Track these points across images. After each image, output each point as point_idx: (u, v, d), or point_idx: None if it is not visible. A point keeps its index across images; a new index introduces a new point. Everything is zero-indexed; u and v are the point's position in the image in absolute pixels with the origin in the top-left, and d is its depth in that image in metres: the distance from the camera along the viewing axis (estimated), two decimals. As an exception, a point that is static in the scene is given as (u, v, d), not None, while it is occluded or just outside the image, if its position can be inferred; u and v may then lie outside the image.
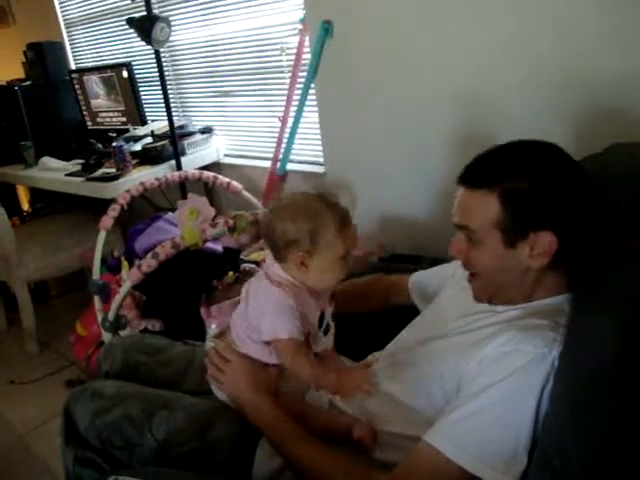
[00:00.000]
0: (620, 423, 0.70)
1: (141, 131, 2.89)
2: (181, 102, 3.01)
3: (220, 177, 2.53)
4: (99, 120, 3.24)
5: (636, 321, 0.76)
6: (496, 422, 0.89)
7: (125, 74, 2.91)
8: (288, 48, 2.38)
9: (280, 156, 2.50)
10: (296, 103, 2.35)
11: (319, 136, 2.38)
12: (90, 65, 3.45)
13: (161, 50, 2.48)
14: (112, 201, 2.26)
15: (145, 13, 2.35)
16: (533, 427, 0.88)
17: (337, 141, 2.32)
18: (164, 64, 2.56)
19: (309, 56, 2.23)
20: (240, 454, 1.14)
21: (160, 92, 2.54)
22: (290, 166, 2.53)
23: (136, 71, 2.97)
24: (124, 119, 3.08)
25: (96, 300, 2.13)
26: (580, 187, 0.99)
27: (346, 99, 2.19)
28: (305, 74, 2.27)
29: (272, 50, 2.46)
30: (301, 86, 2.31)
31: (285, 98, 2.40)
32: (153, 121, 3.01)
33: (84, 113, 3.29)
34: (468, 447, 0.88)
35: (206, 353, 1.29)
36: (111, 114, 3.15)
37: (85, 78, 3.15)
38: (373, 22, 1.99)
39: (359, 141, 2.22)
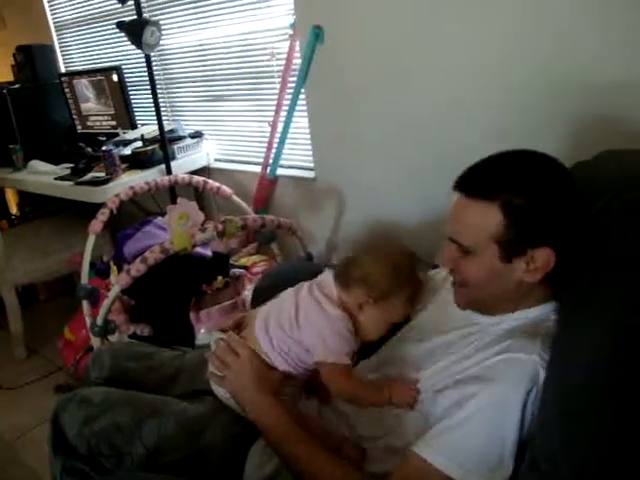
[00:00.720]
0: (608, 429, 0.70)
1: (131, 135, 2.87)
2: (171, 106, 3.00)
3: (210, 182, 2.53)
4: (89, 124, 3.23)
5: (625, 329, 0.76)
6: (482, 429, 0.89)
7: (115, 78, 2.91)
8: (278, 53, 2.38)
9: (270, 161, 2.50)
10: (286, 108, 2.36)
11: (309, 141, 2.38)
12: (80, 68, 3.43)
13: (151, 54, 2.48)
14: (101, 205, 2.25)
15: (135, 17, 2.35)
16: (519, 432, 0.88)
17: (327, 146, 2.33)
18: (154, 68, 2.55)
19: (299, 61, 2.24)
20: (231, 461, 1.14)
21: (150, 96, 2.53)
22: (280, 171, 2.53)
23: (126, 75, 2.96)
24: (114, 123, 3.07)
25: (84, 305, 2.12)
26: (576, 201, 0.98)
27: (336, 104, 2.20)
28: (295, 79, 2.27)
29: (262, 55, 2.46)
30: (291, 91, 2.31)
31: (275, 103, 2.41)
32: (143, 125, 3.00)
33: (74, 117, 3.28)
34: (455, 456, 0.89)
35: (202, 350, 1.32)
36: (101, 118, 3.14)
37: (75, 81, 3.14)
38: (363, 27, 2.00)
39: (349, 146, 2.23)
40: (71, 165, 2.78)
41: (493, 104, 1.77)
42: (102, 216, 2.21)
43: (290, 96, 2.32)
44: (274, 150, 2.47)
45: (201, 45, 2.69)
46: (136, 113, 3.04)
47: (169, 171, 2.60)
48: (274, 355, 1.16)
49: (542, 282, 0.99)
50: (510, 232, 0.94)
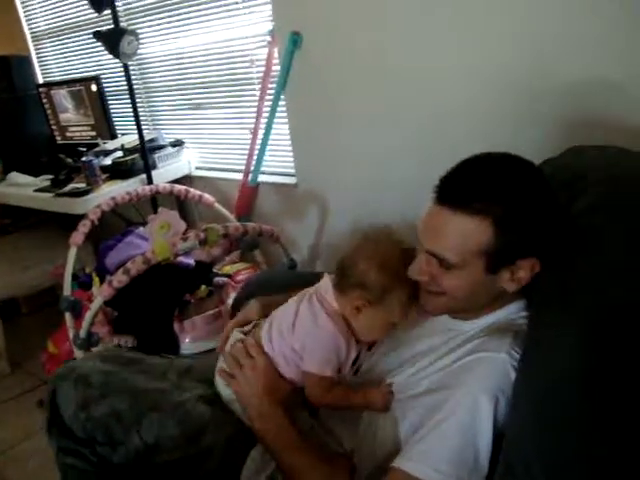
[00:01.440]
0: (582, 433, 0.70)
1: (111, 145, 2.86)
2: (151, 115, 2.98)
3: (192, 190, 2.52)
4: (68, 134, 3.20)
5: (597, 331, 0.76)
6: (454, 432, 0.89)
7: (94, 88, 2.89)
8: (258, 60, 2.38)
9: (252, 168, 2.50)
10: (267, 115, 2.36)
11: (290, 147, 2.38)
12: (58, 79, 3.40)
13: (130, 63, 2.47)
14: (83, 216, 2.23)
15: (112, 26, 2.33)
16: (492, 433, 0.88)
17: (308, 152, 2.33)
18: (133, 77, 2.53)
19: (279, 68, 2.24)
20: (229, 464, 1.12)
21: (130, 105, 2.52)
22: (262, 178, 2.53)
23: (105, 84, 2.94)
24: (94, 133, 3.05)
25: (67, 317, 2.10)
26: (558, 207, 0.97)
27: (316, 110, 2.20)
28: (275, 86, 2.27)
29: (241, 62, 2.46)
30: (271, 97, 2.31)
31: (255, 110, 2.40)
32: (123, 135, 2.99)
33: (53, 127, 3.25)
34: (433, 462, 0.89)
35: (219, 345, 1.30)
36: (80, 128, 3.11)
37: (53, 92, 3.11)
38: (341, 33, 2.01)
39: (330, 152, 2.23)
40: (51, 176, 2.75)
41: (476, 105, 1.78)
42: (83, 227, 2.20)
43: (270, 103, 2.32)
44: (255, 157, 2.46)
45: (180, 53, 2.68)
46: (116, 123, 3.02)
47: (150, 180, 2.59)
48: (277, 358, 1.16)
49: None
50: (500, 246, 0.91)
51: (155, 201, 2.66)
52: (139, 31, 2.46)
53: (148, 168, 2.57)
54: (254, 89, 2.45)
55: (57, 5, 3.16)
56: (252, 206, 2.61)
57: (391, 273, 1.06)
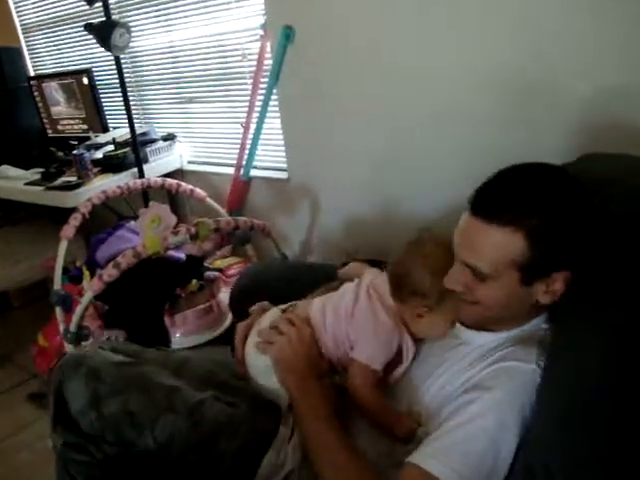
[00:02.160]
0: (603, 438, 0.70)
1: (102, 139, 2.84)
2: (143, 109, 2.97)
3: (183, 184, 2.51)
4: (60, 128, 3.18)
5: (619, 337, 0.76)
6: (477, 435, 0.88)
7: (85, 81, 2.87)
8: (250, 54, 2.37)
9: (243, 162, 2.50)
10: (259, 109, 2.35)
11: (282, 142, 2.38)
12: (49, 72, 3.38)
13: (122, 56, 2.45)
14: (73, 210, 2.23)
15: (104, 18, 2.32)
16: (516, 440, 0.87)
17: (300, 147, 2.33)
18: (125, 70, 2.52)
19: (271, 62, 2.23)
20: (243, 467, 1.12)
21: (121, 99, 2.51)
22: (254, 172, 2.53)
23: (97, 77, 2.93)
24: (85, 126, 3.03)
25: (58, 311, 2.09)
26: (593, 218, 0.94)
27: (308, 105, 2.20)
28: (267, 80, 2.26)
29: (234, 56, 2.45)
30: (263, 92, 2.30)
31: (247, 104, 2.40)
32: (115, 128, 2.97)
33: (44, 121, 3.23)
34: (451, 462, 0.87)
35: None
36: (72, 122, 3.10)
37: (44, 85, 3.09)
38: (334, 27, 2.00)
39: (322, 147, 2.23)
40: (42, 170, 2.74)
41: (466, 103, 1.78)
42: (74, 221, 2.19)
43: (262, 97, 2.31)
44: (247, 151, 2.46)
45: (172, 47, 2.67)
46: (108, 116, 3.01)
47: (142, 174, 2.58)
48: (326, 339, 1.18)
49: None
50: (534, 258, 0.90)
51: (146, 195, 2.65)
52: (131, 24, 2.45)
53: (139, 162, 2.57)
54: (246, 83, 2.44)
55: (48, -3, 3.14)
56: (244, 201, 2.61)
57: (444, 277, 1.05)
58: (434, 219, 1.83)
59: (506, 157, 1.02)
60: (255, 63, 2.32)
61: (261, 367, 1.20)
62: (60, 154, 2.88)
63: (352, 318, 1.17)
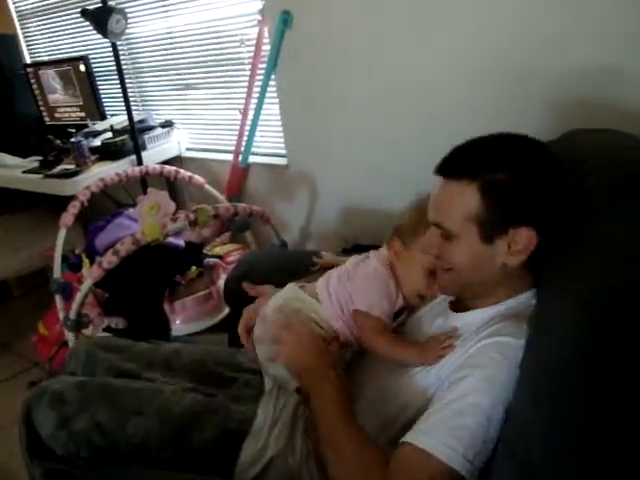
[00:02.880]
0: (581, 414, 0.69)
1: (100, 126, 2.83)
2: (140, 96, 2.96)
3: (182, 171, 2.51)
4: (57, 115, 3.17)
5: (594, 310, 0.75)
6: (471, 411, 0.88)
7: (82, 68, 2.85)
8: (248, 39, 2.35)
9: (242, 149, 2.49)
10: (257, 95, 2.34)
11: (281, 128, 2.37)
12: (46, 59, 3.36)
13: (118, 43, 2.44)
14: (72, 198, 2.22)
15: (100, 4, 2.30)
16: (504, 416, 0.88)
17: (299, 133, 2.32)
18: (122, 57, 2.51)
19: (269, 47, 2.21)
20: (222, 460, 1.12)
21: (119, 86, 2.50)
22: (252, 159, 2.52)
23: (94, 64, 2.91)
24: (83, 114, 3.01)
25: (57, 299, 2.10)
26: (560, 182, 0.96)
27: (307, 90, 2.19)
28: (265, 65, 2.25)
29: (231, 42, 2.43)
30: (261, 78, 2.29)
31: (246, 90, 2.38)
32: (113, 116, 2.96)
33: (41, 108, 3.21)
34: (445, 438, 0.87)
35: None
36: (69, 109, 3.08)
37: (41, 72, 3.07)
38: (332, 12, 1.99)
39: (321, 133, 2.22)
40: (40, 158, 2.72)
41: (465, 90, 1.77)
42: (73, 209, 2.19)
43: (260, 83, 2.30)
44: (246, 138, 2.45)
45: (169, 33, 2.65)
46: (105, 103, 2.99)
47: (140, 162, 2.57)
48: (332, 310, 1.19)
49: (524, 269, 0.98)
50: (489, 211, 0.93)
51: (145, 182, 2.64)
52: (127, 10, 2.43)
53: (138, 149, 2.55)
54: (244, 69, 2.43)
55: (43, -17, 3.11)
56: (242, 187, 2.60)
57: (420, 217, 1.10)
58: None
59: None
60: (253, 49, 2.30)
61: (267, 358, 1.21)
62: (58, 142, 2.86)
63: (350, 276, 1.21)
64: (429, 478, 0.85)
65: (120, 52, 2.48)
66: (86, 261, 2.14)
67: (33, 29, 3.38)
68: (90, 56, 2.91)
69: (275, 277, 1.54)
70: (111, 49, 2.42)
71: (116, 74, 2.47)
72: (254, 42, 2.29)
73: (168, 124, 2.80)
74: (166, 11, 2.60)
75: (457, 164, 0.98)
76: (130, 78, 2.86)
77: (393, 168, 2.03)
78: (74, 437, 1.14)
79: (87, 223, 2.49)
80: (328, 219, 2.37)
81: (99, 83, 2.94)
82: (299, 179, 2.40)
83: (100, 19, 2.21)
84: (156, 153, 2.71)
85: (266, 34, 2.24)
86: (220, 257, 2.35)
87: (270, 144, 2.51)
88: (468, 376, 0.92)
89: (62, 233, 2.21)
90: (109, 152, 2.61)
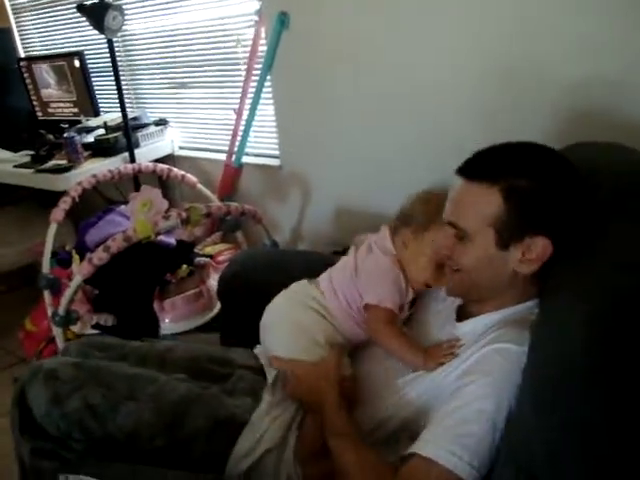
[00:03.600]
0: (587, 418, 0.69)
1: (94, 122, 2.82)
2: (135, 93, 2.95)
3: (175, 170, 2.50)
4: (50, 110, 3.15)
5: (600, 319, 0.75)
6: (475, 418, 0.88)
7: (77, 63, 2.83)
8: (244, 40, 2.35)
9: (235, 149, 2.49)
10: (252, 95, 2.34)
11: (275, 129, 2.37)
12: (40, 53, 3.34)
13: (114, 39, 2.43)
14: (63, 193, 2.21)
15: (96, 0, 2.29)
16: (505, 423, 0.88)
17: (293, 134, 2.32)
18: (117, 54, 2.50)
19: (265, 48, 2.22)
20: (215, 451, 1.12)
21: (113, 83, 2.49)
22: (246, 159, 2.52)
23: (89, 61, 2.89)
24: (76, 110, 3.00)
25: (46, 295, 2.08)
26: (580, 194, 0.96)
27: (302, 92, 2.19)
28: (261, 66, 2.25)
29: (228, 42, 2.43)
30: (257, 78, 2.29)
31: (241, 90, 2.38)
32: (106, 112, 2.95)
33: (34, 103, 3.19)
34: (452, 447, 0.87)
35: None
36: (62, 105, 3.06)
37: (35, 67, 3.05)
38: (330, 14, 1.99)
39: (315, 135, 2.22)
40: (31, 152, 2.71)
41: (463, 92, 1.78)
42: (64, 204, 2.17)
43: (255, 83, 2.30)
44: (239, 138, 2.45)
45: (165, 31, 2.64)
46: (99, 100, 2.97)
47: (133, 159, 2.56)
48: (337, 304, 1.22)
49: (532, 278, 0.98)
50: (509, 216, 0.93)
51: (137, 180, 2.63)
52: (124, 7, 2.42)
53: (131, 146, 2.55)
54: (240, 69, 2.43)
55: (39, -23, 3.09)
56: (235, 187, 2.60)
57: (433, 209, 1.12)
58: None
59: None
60: (249, 49, 2.30)
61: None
62: (50, 137, 2.85)
63: (356, 271, 1.23)
64: None
65: (115, 49, 2.46)
66: (76, 257, 2.12)
67: (28, 23, 3.36)
68: (85, 52, 2.88)
69: (267, 276, 1.55)
70: (106, 45, 2.41)
71: (110, 70, 2.46)
72: (250, 42, 2.29)
73: (162, 122, 2.79)
74: (163, 9, 2.59)
75: (481, 167, 0.99)
76: (124, 75, 2.85)
77: (387, 170, 2.04)
78: (67, 416, 1.13)
79: (77, 219, 2.47)
80: (320, 220, 2.37)
81: (93, 79, 2.92)
82: (292, 180, 2.40)
83: (97, 15, 2.20)
84: (149, 151, 2.70)
85: (263, 35, 2.24)
86: (211, 257, 2.35)
87: (264, 145, 2.51)
88: (471, 383, 0.92)
89: (53, 228, 2.20)
90: (102, 149, 2.60)
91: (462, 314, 1.12)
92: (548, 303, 0.94)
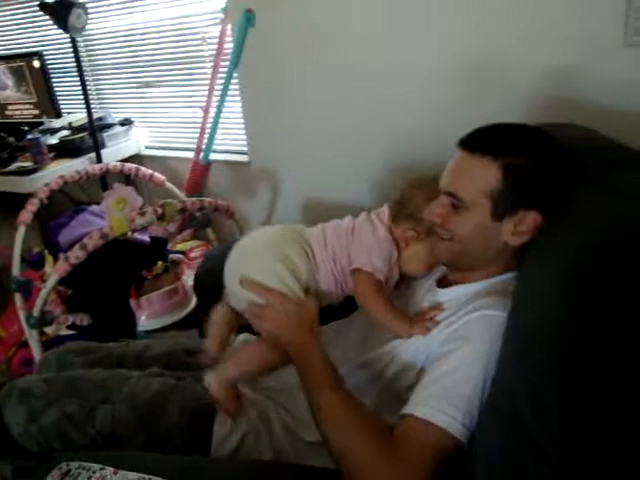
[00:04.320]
0: (561, 364, 0.72)
1: (57, 123, 2.79)
2: (97, 93, 2.92)
3: (142, 169, 2.50)
4: (8, 113, 3.09)
5: (578, 271, 0.78)
6: (467, 381, 0.93)
7: (36, 64, 2.80)
8: (209, 37, 2.37)
9: (203, 146, 2.50)
10: (218, 93, 2.36)
11: (243, 125, 2.39)
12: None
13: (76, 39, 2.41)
14: (28, 196, 2.18)
15: (59, -2, 2.27)
16: (491, 382, 0.93)
17: (261, 130, 2.35)
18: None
19: (231, 45, 2.24)
20: (195, 436, 1.14)
21: (75, 83, 2.47)
22: (214, 156, 2.53)
23: (48, 61, 2.86)
24: (36, 112, 2.96)
25: (17, 298, 2.06)
26: (569, 174, 1.02)
27: (269, 88, 2.22)
28: (227, 63, 2.27)
29: (193, 39, 2.44)
30: (223, 75, 2.31)
31: (207, 88, 2.40)
32: (69, 113, 2.91)
33: (-10, 105, 3.14)
34: (444, 407, 0.91)
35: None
36: (22, 106, 3.01)
37: (-9, 68, 3.00)
38: (296, 10, 2.02)
39: (283, 130, 2.26)
40: (-8, 156, 2.66)
41: (428, 85, 1.83)
42: (31, 206, 2.15)
43: (222, 80, 2.32)
44: (207, 135, 2.47)
45: (130, 30, 2.63)
46: (60, 100, 2.94)
47: (99, 159, 2.55)
48: (324, 255, 1.20)
49: (518, 250, 1.03)
50: (506, 191, 0.98)
51: (105, 180, 2.62)
52: (87, 5, 2.40)
53: (97, 147, 2.53)
54: (206, 67, 2.44)
55: (-6, -25, 3.03)
56: (203, 184, 2.61)
57: (429, 193, 1.12)
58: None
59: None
60: (215, 46, 2.32)
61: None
62: (11, 139, 2.81)
63: (353, 234, 1.22)
64: (433, 445, 0.90)
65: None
66: (49, 258, 2.11)
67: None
68: (44, 52, 2.85)
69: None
70: (66, 45, 2.38)
71: (71, 70, 2.44)
72: (216, 40, 2.31)
73: (127, 122, 2.78)
74: (126, 7, 2.59)
75: (484, 142, 1.02)
76: (87, 75, 2.82)
77: (354, 164, 2.09)
78: (45, 429, 1.14)
79: (42, 221, 2.44)
80: (290, 215, 2.40)
81: (53, 80, 2.89)
82: (260, 176, 2.43)
83: (61, 13, 2.18)
84: (115, 151, 2.69)
85: (229, 32, 2.26)
86: (183, 253, 2.36)
87: (231, 141, 2.53)
88: (459, 348, 0.96)
89: (21, 231, 2.17)
90: (67, 150, 2.58)
91: (444, 283, 1.16)
92: (528, 266, 0.98)
